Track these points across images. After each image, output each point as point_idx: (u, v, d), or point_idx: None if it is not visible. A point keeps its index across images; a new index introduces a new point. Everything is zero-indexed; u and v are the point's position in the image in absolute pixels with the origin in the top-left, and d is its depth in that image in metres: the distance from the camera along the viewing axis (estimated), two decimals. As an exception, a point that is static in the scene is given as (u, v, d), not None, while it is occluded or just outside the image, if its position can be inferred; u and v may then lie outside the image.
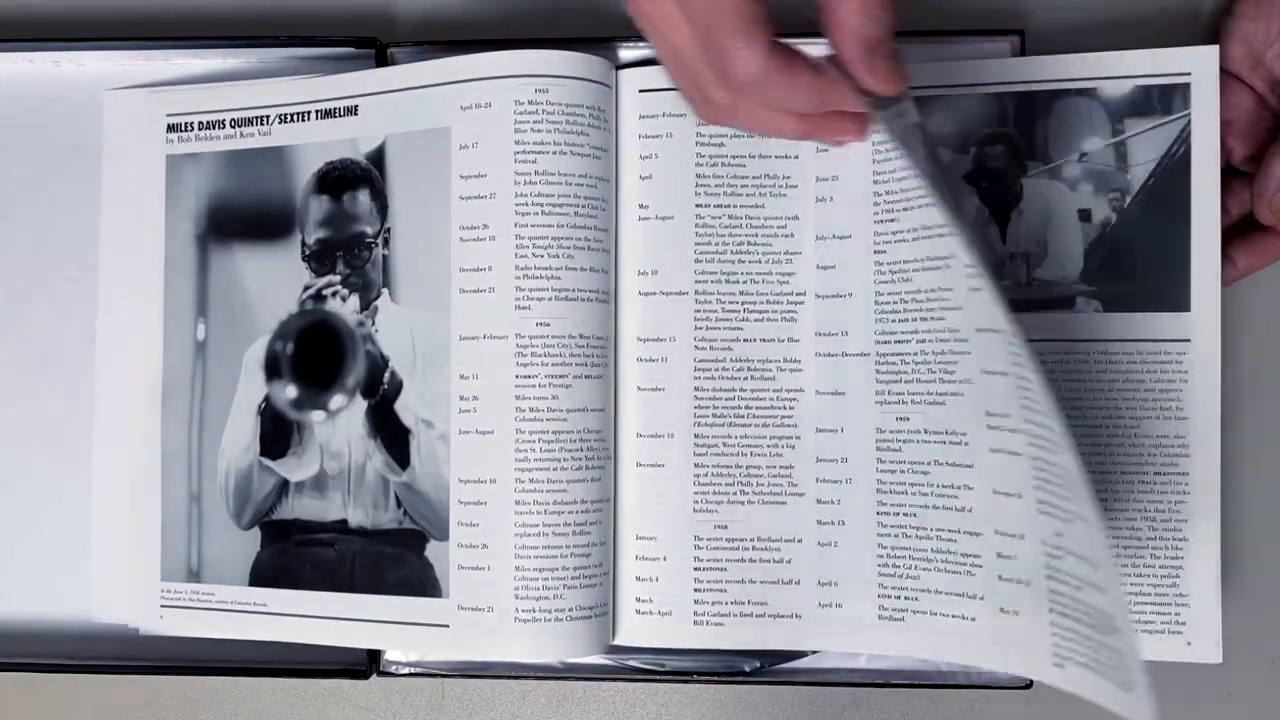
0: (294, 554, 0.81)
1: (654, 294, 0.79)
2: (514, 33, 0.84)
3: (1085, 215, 0.77)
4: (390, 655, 0.81)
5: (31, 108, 0.84)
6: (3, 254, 0.85)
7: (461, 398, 0.78)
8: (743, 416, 0.79)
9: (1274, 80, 0.76)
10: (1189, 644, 0.76)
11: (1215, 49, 0.75)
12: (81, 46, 0.84)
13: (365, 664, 0.81)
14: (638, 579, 0.79)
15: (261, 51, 0.83)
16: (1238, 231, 0.78)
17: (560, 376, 0.76)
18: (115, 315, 0.83)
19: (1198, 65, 0.75)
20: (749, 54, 0.62)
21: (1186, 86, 0.76)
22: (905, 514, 0.77)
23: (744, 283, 0.79)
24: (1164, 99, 0.76)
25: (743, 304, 0.79)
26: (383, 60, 0.81)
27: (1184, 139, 0.76)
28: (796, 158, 0.79)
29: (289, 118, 0.81)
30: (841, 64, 0.63)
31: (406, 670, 0.81)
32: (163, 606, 0.82)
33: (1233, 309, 0.80)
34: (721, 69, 0.64)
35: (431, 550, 0.78)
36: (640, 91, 0.79)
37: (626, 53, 0.80)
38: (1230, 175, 0.78)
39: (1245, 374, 0.81)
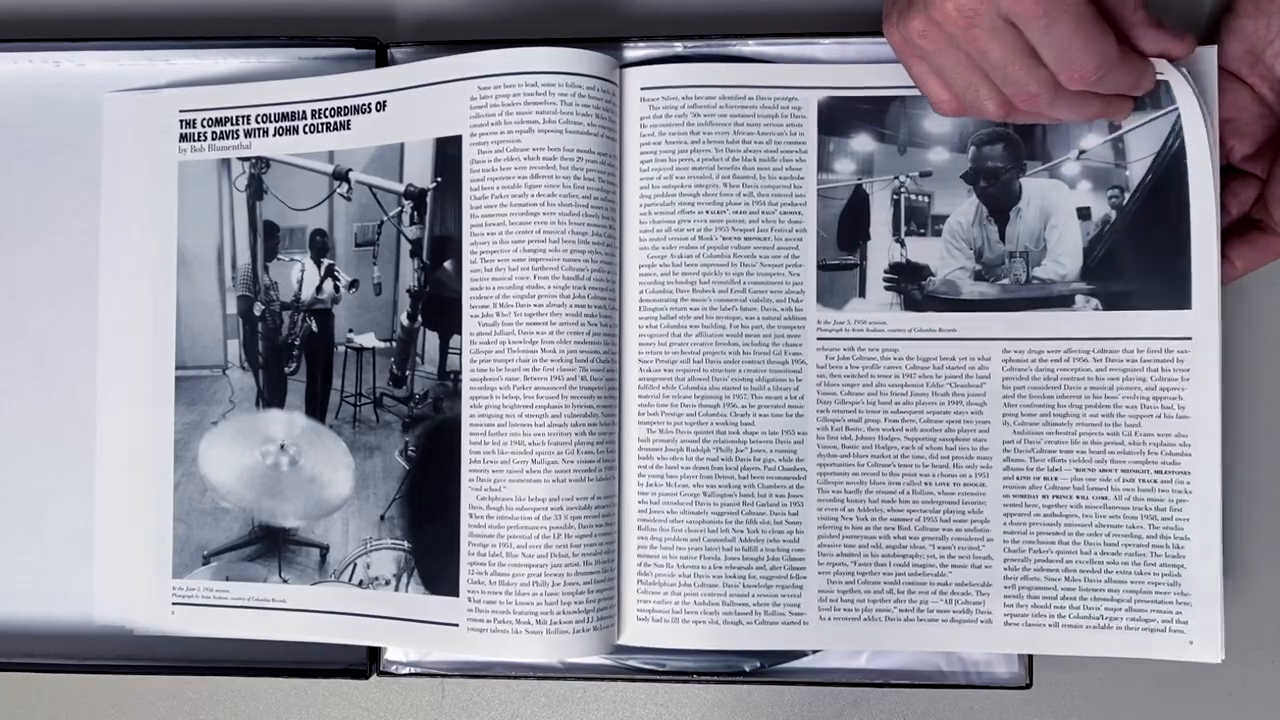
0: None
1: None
2: (514, 32, 0.84)
3: (1084, 213, 0.77)
4: (390, 655, 0.81)
5: (31, 108, 0.84)
6: (3, 254, 0.84)
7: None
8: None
9: (1274, 78, 0.76)
10: (1191, 643, 0.75)
11: (1213, 48, 0.76)
12: (82, 46, 0.84)
13: (365, 664, 0.81)
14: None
15: (261, 51, 0.83)
16: (1236, 231, 0.78)
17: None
18: (116, 315, 0.83)
19: (1196, 64, 0.75)
20: (1103, 43, 0.67)
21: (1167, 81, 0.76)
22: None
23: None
24: (1152, 94, 0.75)
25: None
26: (383, 60, 0.81)
27: (1177, 133, 0.76)
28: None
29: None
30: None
31: (406, 670, 0.81)
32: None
33: (1235, 307, 0.80)
34: (1069, 65, 0.67)
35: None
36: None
37: (629, 52, 0.81)
38: (1230, 174, 0.78)
39: (1248, 372, 0.82)
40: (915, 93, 0.78)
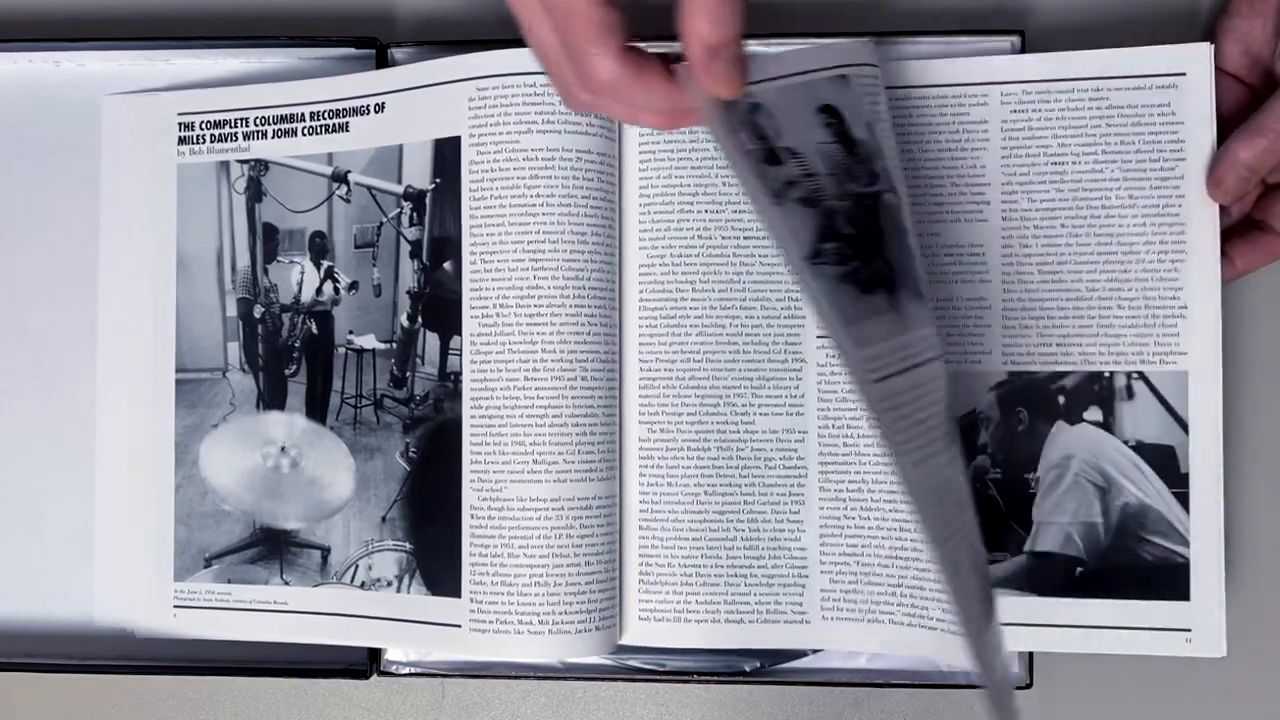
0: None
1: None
2: (514, 33, 0.83)
3: None
4: (390, 655, 0.81)
5: (31, 108, 0.84)
6: (3, 254, 0.84)
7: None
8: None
9: (1270, 78, 0.76)
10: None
11: (1208, 46, 0.76)
12: (82, 46, 0.84)
13: (365, 664, 0.81)
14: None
15: (261, 51, 0.83)
16: (1237, 231, 0.78)
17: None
18: (115, 317, 0.83)
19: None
20: (602, 61, 0.64)
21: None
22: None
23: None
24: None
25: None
26: (383, 61, 0.81)
27: None
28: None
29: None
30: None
31: (406, 670, 0.81)
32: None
33: (1236, 308, 0.80)
34: (580, 70, 0.65)
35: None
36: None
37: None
38: (1229, 174, 0.78)
39: (1248, 370, 0.82)
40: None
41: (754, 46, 0.77)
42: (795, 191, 0.66)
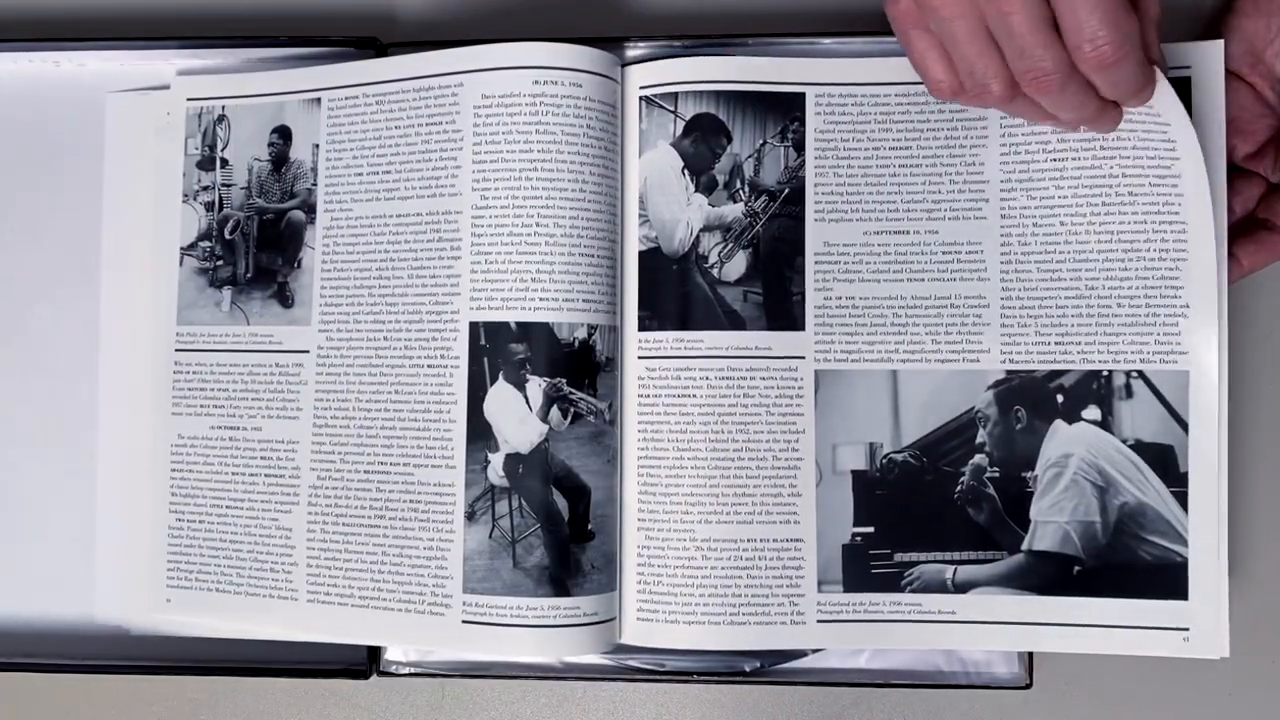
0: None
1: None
2: (514, 32, 0.84)
3: None
4: (390, 655, 0.81)
5: (31, 108, 0.85)
6: (3, 254, 0.85)
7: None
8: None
9: (1274, 77, 0.76)
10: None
11: (1219, 44, 0.75)
12: (82, 46, 0.84)
13: (365, 664, 0.81)
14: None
15: (262, 51, 0.83)
16: (1242, 229, 0.78)
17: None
18: (119, 313, 0.84)
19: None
20: (1127, 31, 0.65)
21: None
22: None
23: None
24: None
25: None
26: (383, 61, 0.82)
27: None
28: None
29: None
30: None
31: (406, 670, 0.81)
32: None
33: (1236, 307, 0.80)
34: (1090, 45, 0.65)
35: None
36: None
37: (629, 51, 0.80)
38: (1233, 173, 0.77)
39: (1249, 367, 0.82)
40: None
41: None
42: (205, 195, 0.83)
